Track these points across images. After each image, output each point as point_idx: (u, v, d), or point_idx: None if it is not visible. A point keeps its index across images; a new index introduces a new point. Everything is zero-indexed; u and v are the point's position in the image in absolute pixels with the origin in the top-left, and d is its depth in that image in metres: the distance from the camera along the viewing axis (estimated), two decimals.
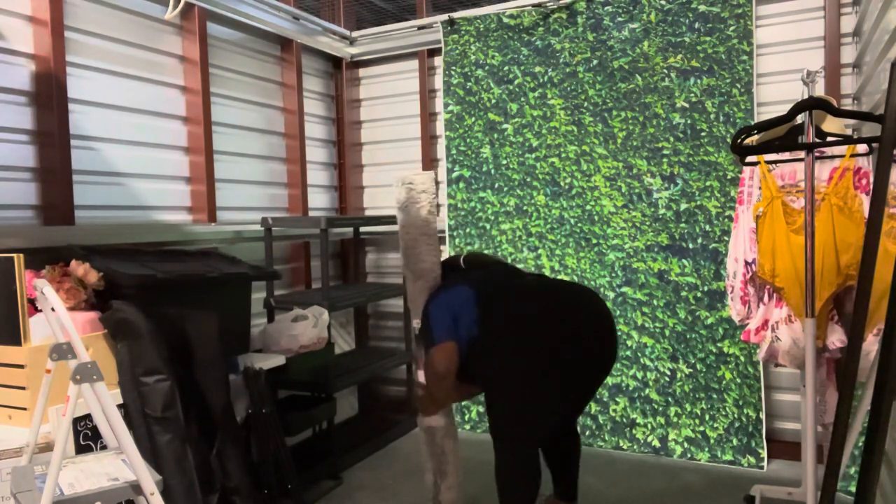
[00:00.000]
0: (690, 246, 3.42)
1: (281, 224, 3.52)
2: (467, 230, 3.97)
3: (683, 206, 3.43)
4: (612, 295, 3.58)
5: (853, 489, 2.78)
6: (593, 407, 3.61)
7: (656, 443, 3.47)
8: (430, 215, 2.40)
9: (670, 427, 3.45)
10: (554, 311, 2.27)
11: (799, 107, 2.11)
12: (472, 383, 2.37)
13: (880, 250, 1.56)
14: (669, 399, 3.47)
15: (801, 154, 2.44)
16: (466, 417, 3.94)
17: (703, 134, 3.39)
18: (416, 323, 2.47)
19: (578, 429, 3.08)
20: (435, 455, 2.45)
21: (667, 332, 3.48)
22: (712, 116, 3.36)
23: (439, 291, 2.36)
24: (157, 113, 3.14)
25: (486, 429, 3.85)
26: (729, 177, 3.33)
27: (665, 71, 3.46)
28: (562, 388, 2.24)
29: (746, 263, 2.68)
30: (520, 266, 3.78)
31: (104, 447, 1.85)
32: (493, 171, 3.90)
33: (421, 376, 2.46)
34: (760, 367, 3.28)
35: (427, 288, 2.42)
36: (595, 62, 3.62)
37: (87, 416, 2.00)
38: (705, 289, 3.39)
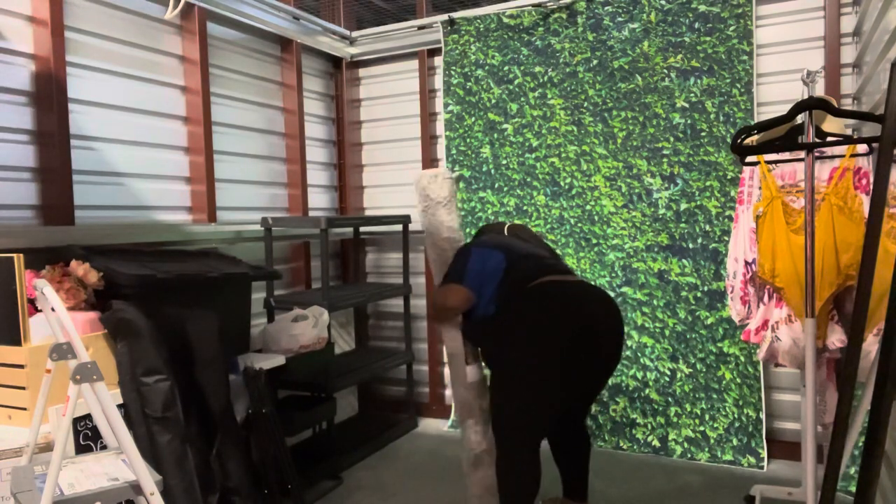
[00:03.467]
0: (690, 246, 3.42)
1: (281, 224, 3.52)
2: (467, 230, 3.96)
3: (683, 206, 3.43)
4: (612, 295, 3.58)
5: (853, 489, 2.78)
6: (593, 407, 3.61)
7: (656, 443, 3.47)
8: (451, 195, 2.61)
9: (670, 427, 3.45)
10: (567, 309, 2.27)
11: (799, 107, 2.11)
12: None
13: (880, 250, 1.56)
14: (669, 399, 3.47)
15: (801, 154, 2.44)
16: None
17: (703, 134, 3.39)
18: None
19: None
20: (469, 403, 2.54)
21: (667, 332, 3.48)
22: (712, 116, 3.36)
23: (483, 242, 2.51)
24: (157, 113, 3.14)
25: None
26: (729, 177, 3.33)
27: (665, 71, 3.46)
28: (564, 386, 2.25)
29: (746, 263, 2.68)
30: None
31: (104, 447, 1.85)
32: (493, 171, 3.90)
33: (448, 340, 2.55)
34: (760, 367, 3.28)
35: (446, 260, 2.56)
36: (595, 62, 3.62)
37: (87, 416, 2.01)
38: (705, 289, 3.39)
